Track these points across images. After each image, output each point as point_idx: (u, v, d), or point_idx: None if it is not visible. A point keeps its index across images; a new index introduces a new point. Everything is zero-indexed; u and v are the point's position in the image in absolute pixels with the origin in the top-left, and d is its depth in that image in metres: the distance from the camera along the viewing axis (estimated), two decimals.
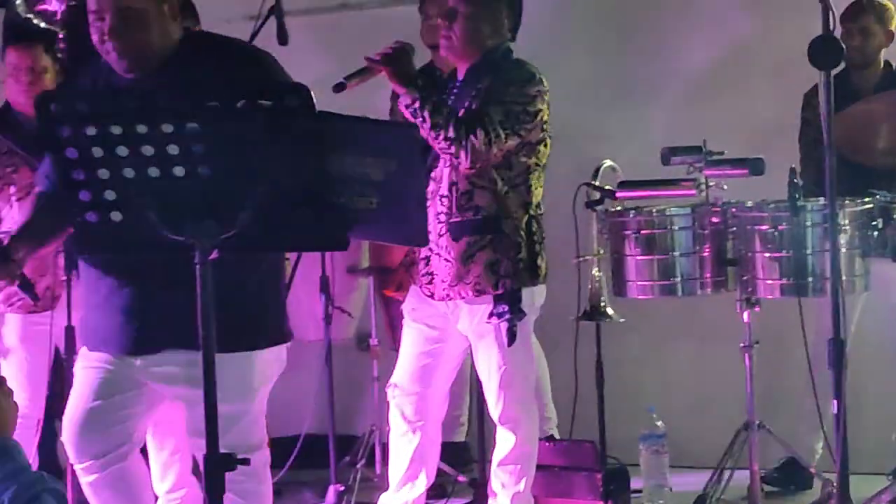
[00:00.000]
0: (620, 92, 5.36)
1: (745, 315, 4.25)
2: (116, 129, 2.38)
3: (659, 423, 4.62)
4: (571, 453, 4.22)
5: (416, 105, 3.63)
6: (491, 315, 3.78)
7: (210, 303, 2.43)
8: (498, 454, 3.92)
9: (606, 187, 4.44)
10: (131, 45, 2.97)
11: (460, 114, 3.71)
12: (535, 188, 3.90)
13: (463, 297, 3.82)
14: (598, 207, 4.45)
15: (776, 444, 4.45)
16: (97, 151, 2.41)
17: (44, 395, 4.47)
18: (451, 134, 3.63)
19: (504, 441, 3.90)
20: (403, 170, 2.42)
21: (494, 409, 3.89)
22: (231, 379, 3.04)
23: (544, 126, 3.88)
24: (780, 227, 4.06)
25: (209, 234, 2.44)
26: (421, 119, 3.63)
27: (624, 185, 4.37)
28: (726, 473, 4.41)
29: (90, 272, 3.08)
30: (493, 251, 3.80)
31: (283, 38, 4.48)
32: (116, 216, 2.47)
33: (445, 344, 3.97)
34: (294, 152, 2.36)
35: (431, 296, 3.86)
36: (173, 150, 2.39)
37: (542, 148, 3.89)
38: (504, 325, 3.78)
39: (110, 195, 2.46)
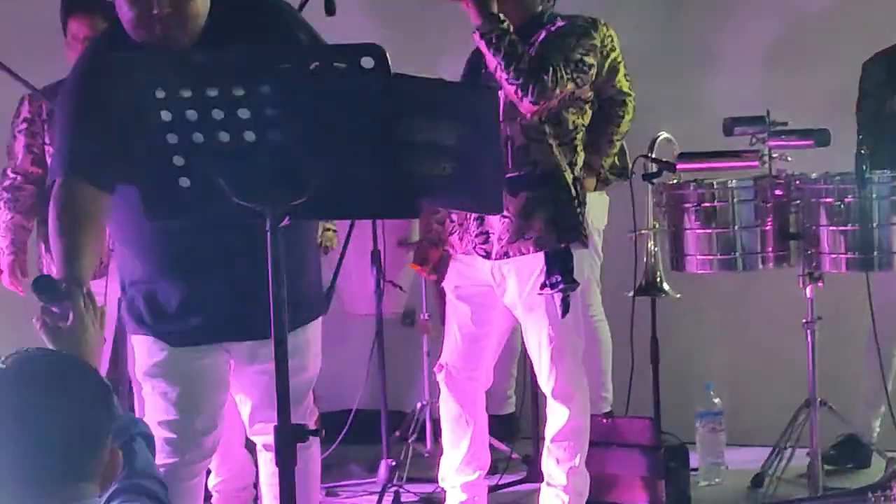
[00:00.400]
0: (675, 61, 5.26)
1: (808, 290, 4.16)
2: (186, 93, 2.32)
3: (716, 401, 4.55)
4: (629, 430, 4.15)
5: (495, 35, 3.56)
6: (543, 286, 3.68)
7: (282, 270, 2.36)
8: (551, 429, 3.84)
9: (665, 160, 4.36)
10: (185, 16, 2.88)
11: None
12: (580, 150, 3.81)
13: (524, 254, 3.70)
14: (656, 180, 4.37)
15: (833, 422, 4.36)
16: (166, 115, 2.35)
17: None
18: (523, 66, 3.55)
19: (557, 415, 3.83)
20: (479, 134, 2.34)
21: (546, 383, 3.81)
22: (314, 345, 3.18)
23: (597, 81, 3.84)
24: (846, 200, 3.96)
25: (280, 201, 2.37)
26: (494, 49, 3.55)
27: (684, 156, 4.28)
28: (785, 451, 4.34)
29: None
30: (553, 205, 3.69)
31: (330, 9, 4.40)
32: (185, 182, 2.41)
33: (492, 323, 3.88)
34: (367, 116, 2.29)
35: (487, 255, 3.75)
36: (244, 113, 2.32)
37: (588, 108, 3.81)
38: (558, 296, 3.69)
39: (179, 161, 2.39)
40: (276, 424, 2.39)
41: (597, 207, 4.53)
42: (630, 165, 4.51)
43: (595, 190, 4.43)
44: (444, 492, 4.07)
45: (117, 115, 2.42)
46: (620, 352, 4.58)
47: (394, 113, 2.26)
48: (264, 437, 3.21)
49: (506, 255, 3.73)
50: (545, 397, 3.89)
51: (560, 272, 3.69)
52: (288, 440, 2.41)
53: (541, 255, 3.69)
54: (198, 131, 2.35)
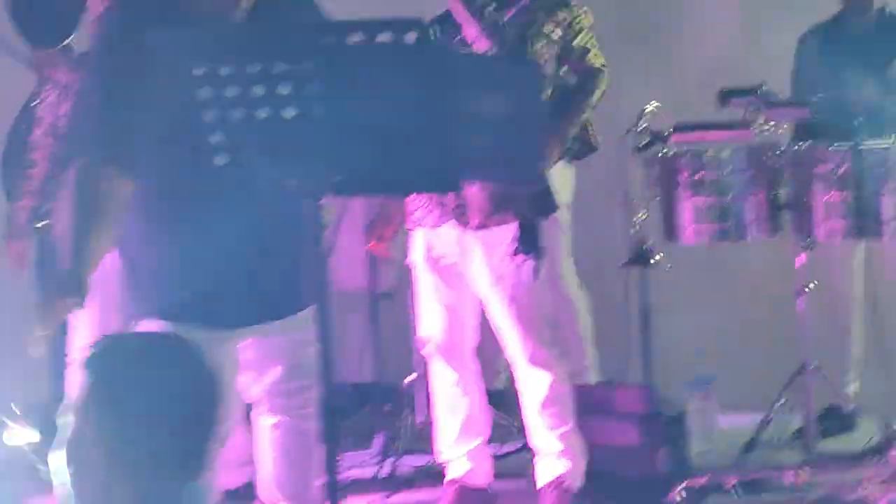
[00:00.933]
0: (658, 29, 5.28)
1: (800, 258, 4.22)
2: (226, 70, 2.30)
3: (708, 369, 4.61)
4: (626, 399, 4.18)
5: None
6: (515, 253, 3.72)
7: (321, 247, 2.36)
8: (535, 397, 3.85)
9: (656, 130, 4.38)
10: None
11: None
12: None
13: (504, 224, 3.74)
14: (648, 151, 4.40)
15: (821, 388, 4.43)
16: (205, 92, 2.33)
17: None
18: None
19: (539, 383, 3.84)
20: (522, 107, 2.35)
21: (522, 352, 3.83)
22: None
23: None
24: (840, 169, 4.02)
25: (320, 178, 2.36)
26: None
27: (679, 128, 4.31)
28: (777, 417, 4.41)
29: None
30: None
31: None
32: (221, 159, 2.40)
33: (466, 289, 3.90)
34: (410, 90, 2.29)
35: (465, 226, 3.78)
36: (285, 89, 2.31)
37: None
38: (529, 263, 3.73)
39: (216, 138, 2.38)
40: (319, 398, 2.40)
41: (560, 179, 4.53)
42: (594, 139, 4.53)
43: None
44: (441, 463, 4.09)
45: (151, 92, 2.40)
46: (613, 322, 4.62)
47: (437, 86, 2.26)
48: (272, 417, 3.17)
49: (484, 226, 3.75)
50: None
51: (529, 240, 3.73)
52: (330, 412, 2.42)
53: (512, 225, 3.73)
54: (237, 108, 2.34)
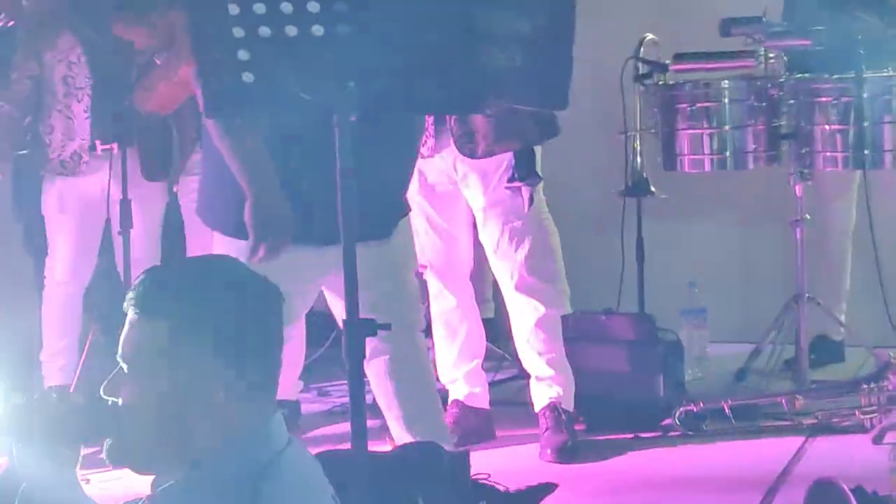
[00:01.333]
0: None
1: (798, 189, 4.25)
2: None
3: (700, 298, 4.65)
4: (623, 327, 4.21)
5: None
6: (511, 180, 3.74)
7: (352, 167, 2.35)
8: (526, 324, 3.90)
9: (655, 60, 4.38)
10: None
11: None
12: None
13: (509, 150, 3.75)
14: (647, 81, 4.40)
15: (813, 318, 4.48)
16: (233, 9, 2.30)
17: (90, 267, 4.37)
18: None
19: (530, 310, 3.89)
20: (554, 25, 2.33)
21: (511, 277, 3.88)
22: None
23: None
24: (842, 99, 4.04)
25: (348, 97, 2.35)
26: None
27: (679, 57, 4.32)
28: (769, 347, 4.46)
29: None
30: None
31: None
32: (248, 77, 2.38)
33: (461, 216, 3.95)
34: (440, 7, 2.28)
35: (472, 154, 3.78)
36: (313, 7, 2.29)
37: None
38: (526, 190, 3.75)
39: (244, 55, 2.36)
40: (345, 318, 2.40)
41: None
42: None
43: None
44: (441, 387, 4.13)
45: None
46: (609, 251, 4.65)
47: (466, 2, 2.25)
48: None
49: (490, 153, 3.77)
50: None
51: (526, 166, 3.75)
52: (356, 333, 2.42)
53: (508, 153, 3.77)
54: (265, 25, 2.32)
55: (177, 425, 1.74)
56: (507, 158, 3.78)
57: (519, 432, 4.09)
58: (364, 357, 2.43)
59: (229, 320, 1.72)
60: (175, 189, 4.31)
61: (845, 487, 2.73)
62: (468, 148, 3.78)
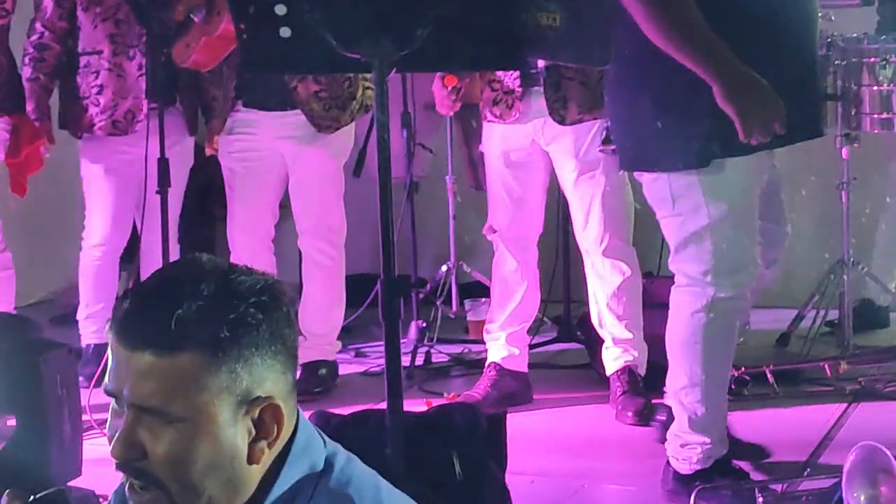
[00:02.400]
0: None
1: (844, 151, 4.18)
2: None
3: None
4: (665, 290, 4.13)
5: None
6: (605, 143, 3.70)
7: (386, 120, 2.33)
8: (609, 287, 3.90)
9: None
10: None
11: None
12: None
13: (598, 119, 3.76)
14: None
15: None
16: None
17: (126, 229, 4.39)
18: None
19: (617, 273, 3.90)
20: None
21: (600, 242, 3.87)
22: None
23: None
24: (891, 60, 3.95)
25: (386, 52, 2.33)
26: None
27: None
28: (811, 312, 4.41)
29: None
30: None
31: None
32: (286, 32, 2.36)
33: (537, 183, 3.96)
34: None
35: (562, 120, 3.79)
36: None
37: None
38: (618, 155, 3.72)
39: (281, 10, 2.34)
40: (382, 276, 2.39)
41: None
42: None
43: None
44: (473, 352, 4.13)
45: None
46: (649, 214, 4.59)
47: None
48: None
49: (580, 120, 3.79)
50: (576, 260, 3.91)
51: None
52: (391, 292, 2.41)
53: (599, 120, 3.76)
54: None
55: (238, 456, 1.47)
56: (598, 123, 3.78)
57: (556, 395, 4.08)
58: (400, 317, 2.43)
59: (256, 320, 1.46)
60: (212, 149, 4.27)
61: (888, 452, 2.68)
62: (559, 114, 3.80)
